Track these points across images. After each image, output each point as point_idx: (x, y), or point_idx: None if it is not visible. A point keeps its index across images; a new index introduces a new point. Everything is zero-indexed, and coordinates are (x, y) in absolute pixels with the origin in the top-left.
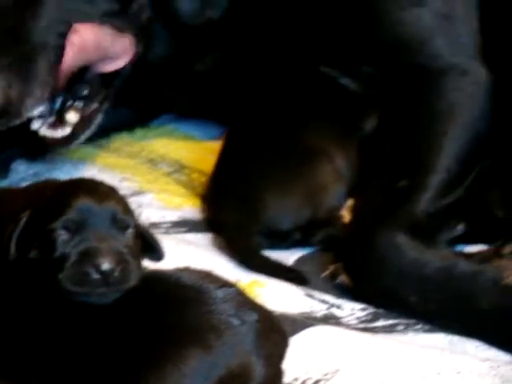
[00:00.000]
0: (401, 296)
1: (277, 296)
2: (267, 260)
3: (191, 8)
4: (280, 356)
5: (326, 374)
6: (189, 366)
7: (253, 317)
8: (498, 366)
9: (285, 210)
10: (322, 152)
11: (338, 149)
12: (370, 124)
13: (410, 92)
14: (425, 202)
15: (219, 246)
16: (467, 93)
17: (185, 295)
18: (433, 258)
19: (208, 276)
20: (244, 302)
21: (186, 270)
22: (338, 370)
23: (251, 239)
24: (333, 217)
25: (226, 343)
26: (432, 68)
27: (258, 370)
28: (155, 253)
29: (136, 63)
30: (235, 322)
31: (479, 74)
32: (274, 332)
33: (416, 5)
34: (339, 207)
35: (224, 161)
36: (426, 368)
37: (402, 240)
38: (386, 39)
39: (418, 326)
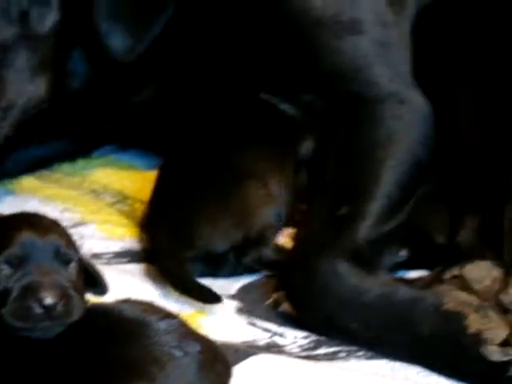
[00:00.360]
0: (342, 323)
1: (220, 325)
2: (199, 286)
3: (123, 45)
4: None
5: None
6: None
7: (195, 348)
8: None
9: (217, 233)
10: (255, 175)
11: (273, 172)
12: (305, 148)
13: (348, 120)
14: (365, 229)
15: (160, 276)
16: (405, 120)
17: (127, 328)
18: (373, 285)
19: (150, 308)
20: (186, 333)
21: (128, 301)
22: None
23: (184, 266)
24: (264, 236)
25: (168, 375)
26: (370, 96)
27: None
28: (99, 287)
29: (55, 96)
30: (178, 353)
31: (417, 101)
32: (217, 362)
33: (353, 33)
34: (271, 227)
35: (159, 189)
36: None
37: (343, 268)
38: (324, 68)
39: (360, 353)
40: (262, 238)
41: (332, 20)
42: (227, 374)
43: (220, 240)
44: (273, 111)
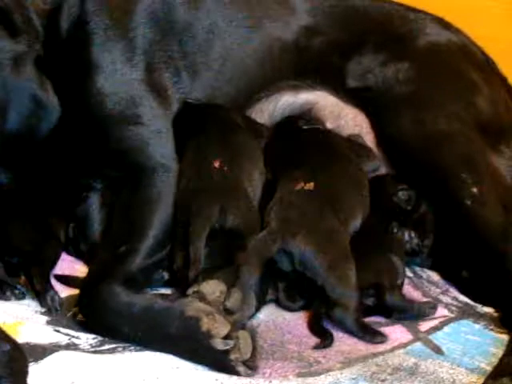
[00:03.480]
0: (118, 329)
1: (33, 332)
2: None
3: None
4: (24, 374)
5: None
6: None
7: (6, 347)
8: (191, 370)
9: None
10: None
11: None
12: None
13: (131, 183)
14: (138, 262)
15: None
16: (168, 183)
17: None
18: (140, 300)
19: None
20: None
21: None
22: (73, 382)
23: None
24: None
25: None
26: (147, 167)
27: None
28: None
29: None
30: None
31: (175, 170)
32: (21, 356)
33: (136, 123)
34: None
35: None
36: (144, 374)
37: (118, 290)
38: (116, 149)
39: (132, 348)
40: None
41: (120, 115)
42: (26, 365)
43: None
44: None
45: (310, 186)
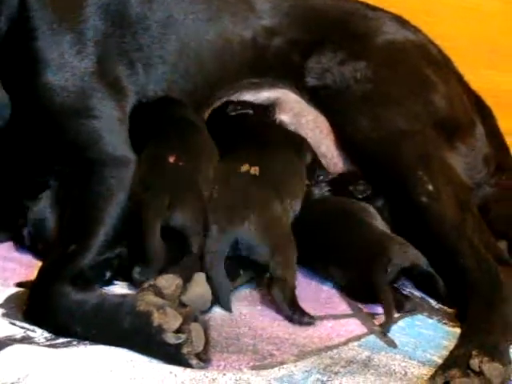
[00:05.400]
0: (71, 328)
1: None
2: None
3: None
4: None
5: (18, 378)
6: None
7: None
8: (145, 362)
9: None
10: None
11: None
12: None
13: (81, 179)
14: (87, 259)
15: None
16: (121, 178)
17: None
18: (90, 298)
19: None
20: None
21: None
22: (27, 375)
23: None
24: None
25: None
26: (99, 160)
27: None
28: None
29: None
30: None
31: (130, 161)
32: None
33: (87, 117)
34: None
35: None
36: (98, 367)
37: (68, 289)
38: (68, 143)
39: (86, 342)
40: None
41: (71, 108)
42: None
43: None
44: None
45: (256, 170)
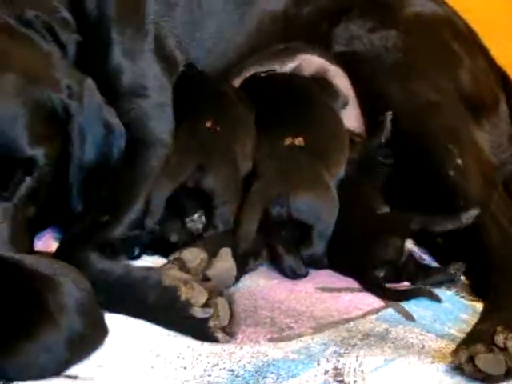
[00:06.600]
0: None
1: None
2: None
3: None
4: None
5: None
6: None
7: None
8: (163, 336)
9: None
10: None
11: None
12: None
13: (129, 157)
14: (118, 231)
15: None
16: (161, 161)
17: None
18: (116, 269)
19: None
20: None
21: None
22: None
23: None
24: None
25: None
26: (146, 141)
27: None
28: None
29: None
30: None
31: (169, 145)
32: None
33: (140, 97)
34: None
35: None
36: (117, 337)
37: (93, 257)
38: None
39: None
40: None
41: (126, 87)
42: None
43: None
44: None
45: (300, 141)
